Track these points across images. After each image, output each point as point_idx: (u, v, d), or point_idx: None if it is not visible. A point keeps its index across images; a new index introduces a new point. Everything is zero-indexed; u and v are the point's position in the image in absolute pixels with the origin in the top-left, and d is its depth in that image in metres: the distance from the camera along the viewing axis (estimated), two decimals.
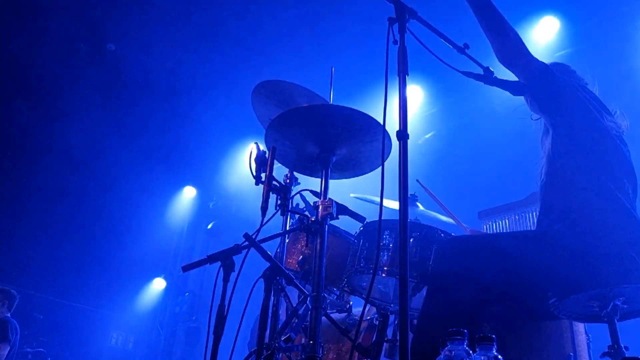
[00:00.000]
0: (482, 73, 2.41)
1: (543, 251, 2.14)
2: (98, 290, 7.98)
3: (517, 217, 3.30)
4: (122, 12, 6.46)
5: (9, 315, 5.74)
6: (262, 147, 2.41)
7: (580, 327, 2.52)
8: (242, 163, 7.93)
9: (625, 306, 2.05)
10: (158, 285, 8.63)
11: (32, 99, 7.07)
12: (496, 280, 2.12)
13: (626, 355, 1.95)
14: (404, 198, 1.65)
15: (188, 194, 9.00)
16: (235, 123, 7.25)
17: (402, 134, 1.72)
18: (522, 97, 2.63)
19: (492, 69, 2.43)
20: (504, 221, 3.38)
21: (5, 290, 5.84)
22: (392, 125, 1.98)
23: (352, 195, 3.53)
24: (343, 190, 2.90)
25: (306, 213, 2.50)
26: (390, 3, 1.95)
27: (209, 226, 8.40)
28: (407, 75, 1.84)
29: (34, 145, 7.49)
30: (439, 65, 2.20)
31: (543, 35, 5.52)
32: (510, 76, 2.50)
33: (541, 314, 2.31)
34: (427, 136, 6.52)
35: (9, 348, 5.43)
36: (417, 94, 6.47)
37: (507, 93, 2.59)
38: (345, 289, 2.58)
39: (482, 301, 2.16)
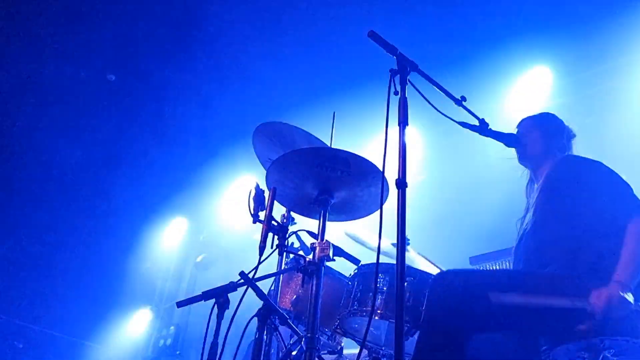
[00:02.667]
0: (478, 124, 2.51)
1: (535, 294, 2.18)
2: (82, 320, 7.82)
3: (508, 264, 3.35)
4: (124, 46, 6.57)
5: None
6: (262, 184, 2.46)
7: None
8: (234, 197, 7.95)
9: (615, 358, 2.08)
10: (144, 316, 8.49)
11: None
12: (488, 323, 2.15)
13: None
14: (402, 244, 1.70)
15: (179, 225, 8.97)
16: (231, 158, 7.31)
17: (401, 182, 1.78)
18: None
19: (487, 121, 2.53)
20: (494, 267, 3.43)
21: None
22: (390, 170, 2.05)
23: (346, 233, 3.57)
24: (336, 228, 2.94)
25: (301, 253, 2.54)
26: (393, 56, 2.04)
27: (199, 259, 8.34)
28: (407, 125, 1.91)
29: (18, 173, 7.45)
30: (433, 111, 2.29)
31: (534, 85, 5.70)
32: (504, 128, 2.60)
33: None
34: (419, 179, 6.60)
35: None
36: (412, 136, 6.59)
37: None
38: (338, 330, 2.60)
39: (474, 348, 2.18)
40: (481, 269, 3.54)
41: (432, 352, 2.05)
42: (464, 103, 2.29)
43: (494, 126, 2.59)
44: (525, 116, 2.84)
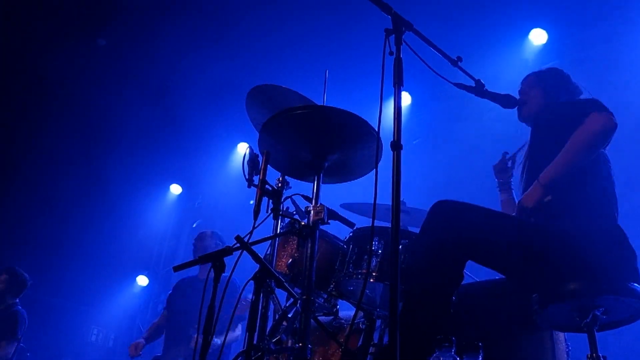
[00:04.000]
0: (474, 85, 2.48)
1: (527, 256, 2.20)
2: (79, 287, 7.89)
3: None
4: (114, 7, 6.42)
5: (18, 303, 5.04)
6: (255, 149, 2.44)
7: (560, 336, 2.58)
8: (230, 162, 7.94)
9: (604, 317, 2.12)
10: (141, 282, 8.58)
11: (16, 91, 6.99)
12: (482, 286, 2.17)
13: None
14: (397, 207, 1.70)
15: (174, 191, 8.96)
16: (224, 122, 7.25)
17: (396, 145, 1.76)
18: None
19: (482, 82, 2.50)
20: None
21: (17, 272, 5.09)
22: (384, 132, 2.02)
23: (341, 205, 3.57)
24: (332, 198, 2.93)
25: (296, 217, 2.54)
26: (387, 15, 1.99)
27: (194, 225, 8.38)
28: (402, 86, 1.89)
29: (16, 138, 7.40)
30: (428, 73, 2.26)
31: (532, 47, 5.65)
32: (500, 89, 2.57)
33: (522, 321, 2.37)
34: (413, 142, 6.59)
35: (15, 345, 4.86)
36: (405, 99, 6.54)
37: (495, 105, 2.67)
38: (333, 292, 2.62)
39: (468, 308, 2.21)
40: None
41: (422, 311, 2.05)
42: (459, 64, 2.26)
43: (490, 88, 2.56)
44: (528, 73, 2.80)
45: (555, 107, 2.56)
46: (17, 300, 5.05)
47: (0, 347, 4.64)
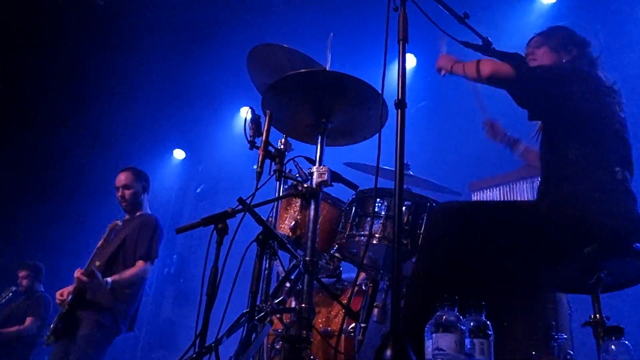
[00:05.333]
0: (481, 44, 2.41)
1: (532, 219, 2.18)
2: (85, 252, 7.95)
3: (508, 189, 3.34)
4: None
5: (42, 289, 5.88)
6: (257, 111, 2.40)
7: (563, 297, 2.59)
8: (232, 126, 7.88)
9: (608, 278, 2.11)
10: None
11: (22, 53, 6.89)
12: (485, 247, 2.16)
13: (608, 325, 2.02)
14: (400, 167, 1.67)
15: (177, 156, 8.95)
16: (226, 85, 7.16)
17: (401, 103, 1.72)
18: None
19: (490, 40, 2.43)
20: (494, 192, 3.42)
21: (34, 265, 5.94)
22: (388, 93, 1.98)
23: (344, 163, 3.54)
24: (335, 159, 2.90)
25: (299, 179, 2.52)
26: None
27: (198, 190, 8.39)
28: (407, 43, 1.83)
29: (23, 108, 7.34)
30: (434, 33, 2.19)
31: (541, 5, 5.51)
32: (509, 48, 2.50)
33: (526, 283, 2.37)
34: (419, 105, 6.50)
35: (39, 323, 5.58)
36: (410, 61, 6.43)
37: None
38: (336, 254, 2.62)
39: (470, 269, 2.21)
40: (481, 196, 3.53)
41: (429, 272, 2.06)
42: (466, 21, 2.19)
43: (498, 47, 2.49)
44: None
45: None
46: (41, 286, 5.95)
47: (26, 322, 5.54)
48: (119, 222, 4.04)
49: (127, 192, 4.30)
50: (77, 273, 3.69)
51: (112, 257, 3.96)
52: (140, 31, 6.74)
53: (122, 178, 4.34)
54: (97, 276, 3.61)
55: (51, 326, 3.71)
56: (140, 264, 3.99)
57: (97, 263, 3.83)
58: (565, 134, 2.30)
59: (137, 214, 4.32)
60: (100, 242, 4.03)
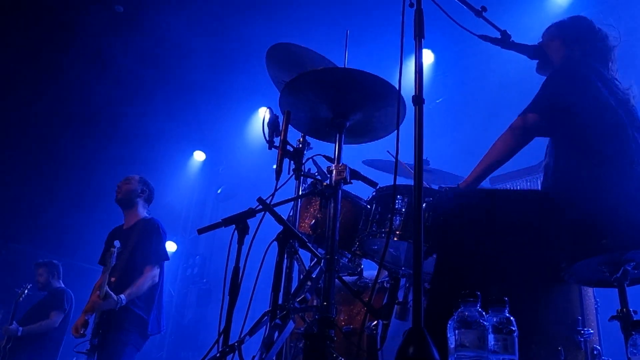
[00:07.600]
0: (499, 37, 2.38)
1: (554, 212, 2.15)
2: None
3: (528, 183, 3.31)
4: None
5: (62, 284, 6.05)
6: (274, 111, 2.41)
7: (589, 291, 2.54)
8: (251, 127, 7.92)
9: (635, 271, 2.07)
10: (169, 248, 8.75)
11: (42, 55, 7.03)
12: (508, 242, 2.14)
13: (635, 319, 1.98)
14: (419, 163, 1.66)
15: (197, 158, 9.04)
16: (245, 86, 7.19)
17: (418, 99, 1.71)
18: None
19: (508, 33, 2.40)
20: (515, 187, 3.39)
21: (49, 262, 6.10)
22: (406, 90, 1.97)
23: (363, 162, 3.54)
24: (354, 157, 2.90)
25: (318, 177, 2.52)
26: None
27: (219, 191, 8.45)
28: (424, 38, 1.82)
29: (44, 103, 7.48)
30: (451, 29, 2.17)
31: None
32: (527, 40, 2.47)
33: (550, 278, 2.34)
34: (437, 101, 6.46)
35: (63, 316, 5.74)
36: (427, 57, 6.39)
37: (521, 59, 2.57)
38: (357, 252, 2.62)
39: (493, 264, 2.19)
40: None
41: (452, 270, 2.05)
42: (484, 14, 2.17)
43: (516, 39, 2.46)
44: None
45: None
46: (61, 281, 6.09)
47: (50, 316, 5.66)
48: (114, 249, 4.03)
49: (125, 186, 4.48)
50: (93, 297, 3.84)
51: (124, 271, 4.05)
52: (159, 35, 6.81)
53: (126, 176, 4.59)
54: (111, 296, 3.75)
55: (89, 341, 3.80)
56: (147, 269, 4.08)
57: (112, 279, 3.93)
58: (586, 129, 2.26)
59: (135, 220, 4.42)
60: (104, 270, 4.05)
